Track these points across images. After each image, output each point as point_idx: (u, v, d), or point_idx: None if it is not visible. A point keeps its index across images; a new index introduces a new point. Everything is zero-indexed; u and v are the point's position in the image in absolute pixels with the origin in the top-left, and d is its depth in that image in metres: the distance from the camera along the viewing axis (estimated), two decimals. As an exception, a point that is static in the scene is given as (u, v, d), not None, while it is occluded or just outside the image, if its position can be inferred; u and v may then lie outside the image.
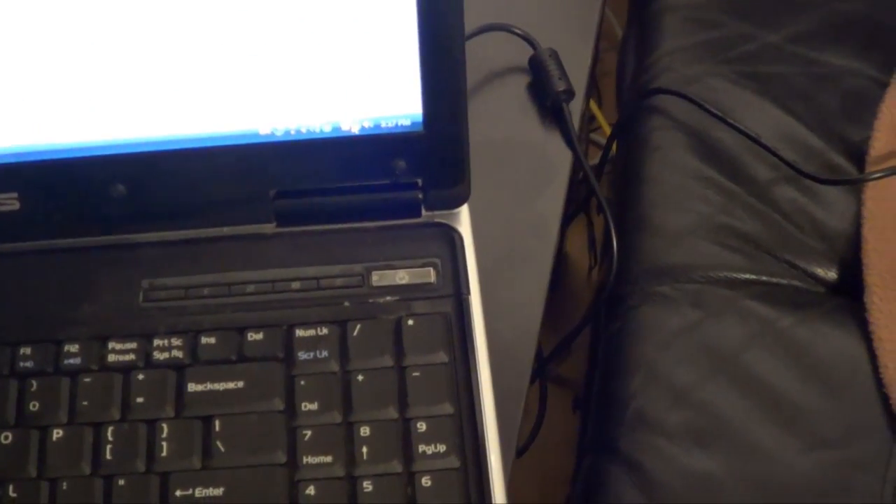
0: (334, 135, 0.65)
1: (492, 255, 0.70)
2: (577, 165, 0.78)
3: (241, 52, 0.63)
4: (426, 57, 0.63)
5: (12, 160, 0.66)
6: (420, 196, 0.67)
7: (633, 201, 0.84)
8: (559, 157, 0.79)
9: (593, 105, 1.21)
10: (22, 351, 0.64)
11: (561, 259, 0.75)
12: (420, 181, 0.67)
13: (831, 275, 0.81)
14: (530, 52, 0.82)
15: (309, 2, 0.62)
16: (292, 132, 0.65)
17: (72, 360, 0.64)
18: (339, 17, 0.62)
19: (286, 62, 0.63)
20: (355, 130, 0.65)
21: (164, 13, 0.62)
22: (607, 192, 0.94)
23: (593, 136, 1.38)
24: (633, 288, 0.79)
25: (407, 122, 0.65)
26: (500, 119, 0.80)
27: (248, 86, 0.64)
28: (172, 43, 0.62)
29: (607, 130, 1.32)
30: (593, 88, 1.05)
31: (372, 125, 0.65)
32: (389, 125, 0.65)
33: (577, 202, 1.06)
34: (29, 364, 0.64)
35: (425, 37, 0.63)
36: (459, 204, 0.68)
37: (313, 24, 0.62)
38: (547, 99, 0.80)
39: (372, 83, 0.64)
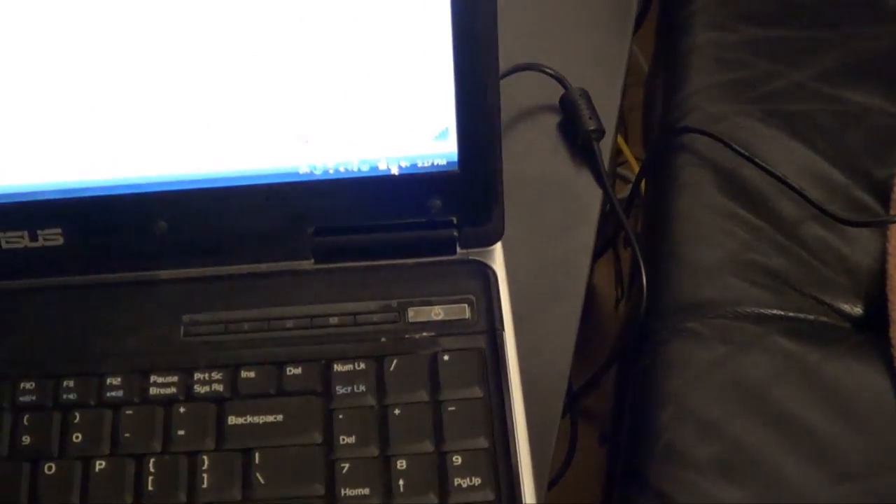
0: (371, 174, 0.67)
1: (524, 291, 0.71)
2: (606, 202, 0.79)
3: (282, 92, 0.64)
4: (461, 98, 0.65)
5: (57, 196, 0.67)
6: (455, 234, 0.68)
7: (662, 237, 0.85)
8: (589, 194, 0.80)
9: (620, 140, 1.22)
10: (65, 383, 0.66)
11: (588, 292, 0.76)
12: (455, 219, 0.68)
13: (857, 310, 0.82)
14: (560, 90, 0.83)
15: (346, 43, 0.63)
16: (330, 171, 0.67)
17: (114, 393, 0.65)
18: (377, 59, 0.64)
19: (325, 102, 0.65)
20: (392, 170, 0.66)
21: (208, 52, 0.63)
22: (635, 227, 0.95)
23: (620, 170, 1.39)
24: (663, 323, 0.80)
25: (443, 162, 0.66)
26: (532, 157, 0.81)
27: (289, 125, 0.65)
28: (216, 81, 0.64)
29: (633, 164, 1.33)
30: (620, 123, 1.07)
31: (408, 165, 0.67)
32: (425, 165, 0.67)
33: (606, 237, 1.07)
34: (72, 396, 0.65)
35: (461, 78, 0.64)
36: (493, 241, 0.69)
37: (351, 64, 0.64)
38: (578, 137, 0.81)
39: (408, 123, 0.65)
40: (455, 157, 0.66)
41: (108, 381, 0.65)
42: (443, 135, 0.66)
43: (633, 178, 1.31)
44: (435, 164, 0.66)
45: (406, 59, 0.64)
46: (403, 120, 0.65)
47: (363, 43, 0.63)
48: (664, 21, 1.05)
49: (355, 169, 0.67)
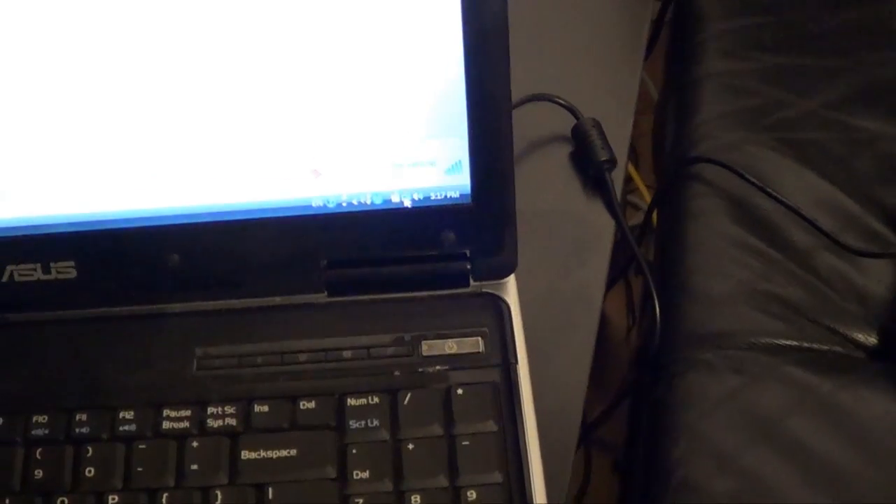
0: (384, 207, 0.67)
1: (537, 323, 0.70)
2: (618, 231, 0.79)
3: (295, 125, 0.64)
4: (474, 130, 0.65)
5: (70, 229, 0.67)
6: (468, 267, 0.68)
7: (674, 267, 0.84)
8: (602, 225, 0.80)
9: (630, 167, 1.22)
10: (78, 417, 0.65)
11: (600, 320, 0.76)
12: (468, 252, 0.68)
13: (871, 340, 0.82)
14: (572, 120, 0.83)
15: (359, 75, 0.63)
16: (344, 204, 0.66)
17: (127, 427, 0.65)
18: (389, 91, 0.64)
19: (338, 135, 0.65)
20: (405, 203, 0.66)
21: (221, 86, 0.63)
22: (647, 256, 0.95)
23: (630, 196, 1.39)
24: (676, 354, 0.80)
25: (455, 195, 0.66)
26: (544, 188, 0.81)
27: (302, 158, 0.65)
28: (229, 114, 0.64)
29: (644, 191, 1.33)
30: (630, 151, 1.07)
31: (421, 197, 0.66)
32: (438, 197, 0.66)
33: (618, 266, 1.06)
34: (85, 430, 0.65)
35: (473, 110, 0.64)
36: (507, 274, 0.69)
37: (364, 96, 0.64)
38: (590, 168, 0.81)
39: (421, 156, 0.65)
40: (468, 190, 0.66)
41: (121, 414, 0.65)
42: (456, 167, 0.66)
43: (643, 204, 1.31)
44: (448, 196, 0.66)
45: (418, 92, 0.64)
46: (416, 153, 0.65)
47: (376, 75, 0.63)
48: (675, 48, 1.05)
49: (368, 202, 0.66)
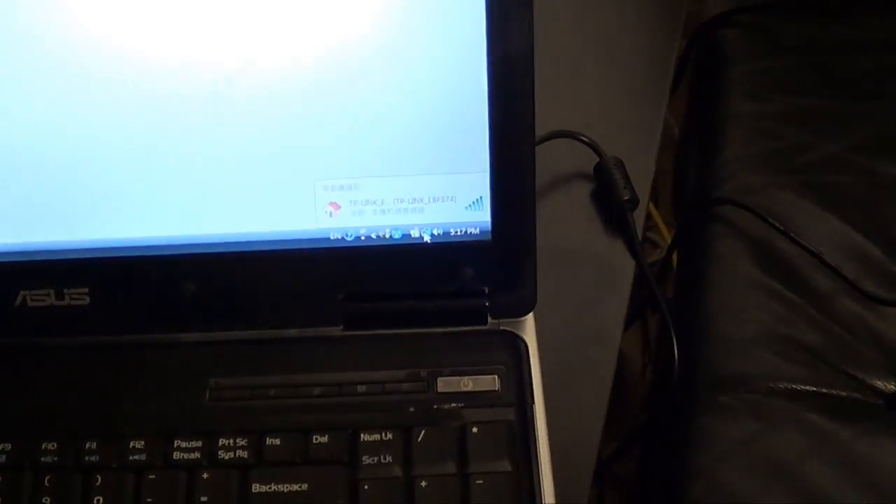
0: (403, 242, 0.66)
1: (554, 360, 0.70)
2: (638, 270, 0.78)
3: (315, 158, 0.64)
4: (497, 167, 0.64)
5: (84, 255, 0.67)
6: (486, 304, 0.67)
7: (694, 308, 0.84)
8: (621, 264, 0.79)
9: (649, 205, 1.21)
10: (88, 445, 0.65)
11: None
12: (487, 289, 0.67)
13: (890, 387, 0.81)
14: (594, 157, 0.82)
15: (381, 111, 0.63)
16: (362, 238, 0.66)
17: (137, 457, 0.64)
18: (412, 127, 0.63)
19: (358, 169, 0.64)
20: (424, 238, 0.66)
21: (240, 115, 0.63)
22: (666, 295, 0.94)
23: (649, 234, 1.38)
24: (694, 396, 0.79)
25: (476, 231, 0.66)
26: (564, 225, 0.80)
27: (321, 190, 0.65)
28: (247, 144, 0.64)
29: (663, 229, 1.32)
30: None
31: (441, 233, 0.66)
32: (458, 233, 0.66)
33: (636, 305, 1.06)
34: (94, 458, 0.64)
35: (496, 147, 0.64)
36: (525, 312, 0.68)
37: (385, 132, 0.63)
38: (611, 206, 0.81)
39: (442, 192, 0.65)
40: (488, 227, 0.66)
41: (132, 444, 0.65)
42: (477, 204, 0.65)
43: (662, 242, 1.31)
44: (468, 232, 0.66)
45: (441, 126, 0.63)
46: (437, 188, 0.64)
47: (398, 109, 0.63)
48: (699, 88, 1.05)
49: (387, 236, 0.66)
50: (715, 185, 0.90)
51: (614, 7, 0.98)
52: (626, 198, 0.80)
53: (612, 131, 0.85)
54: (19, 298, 0.68)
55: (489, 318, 0.68)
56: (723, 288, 0.84)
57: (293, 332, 0.69)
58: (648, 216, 1.26)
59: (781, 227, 0.82)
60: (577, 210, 0.82)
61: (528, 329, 0.68)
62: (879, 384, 0.81)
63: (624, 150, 0.83)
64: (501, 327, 0.68)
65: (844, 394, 0.80)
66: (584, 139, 0.82)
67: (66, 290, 0.68)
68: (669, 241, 1.07)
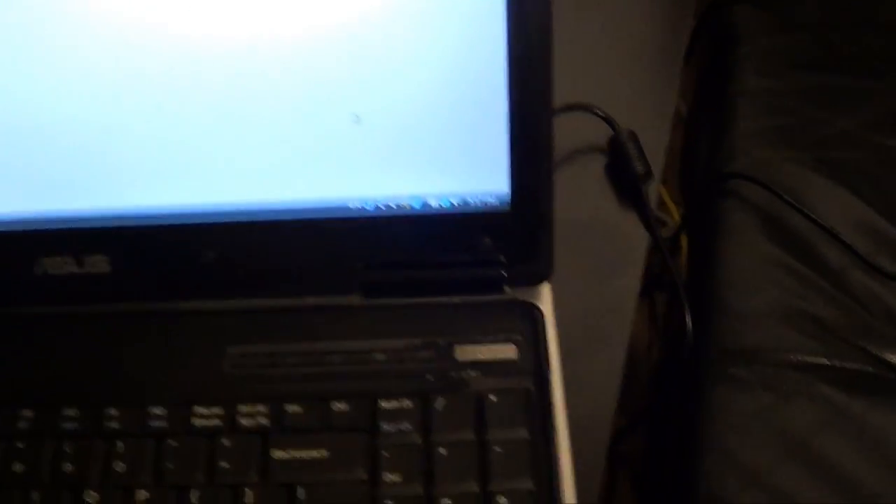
0: (422, 211, 0.66)
1: (568, 332, 0.70)
2: (653, 245, 0.79)
3: (336, 127, 0.64)
4: (515, 137, 0.65)
5: (104, 224, 0.67)
6: (503, 273, 0.68)
7: (706, 282, 0.84)
8: (635, 237, 0.80)
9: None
10: (109, 412, 0.65)
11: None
12: (504, 258, 0.68)
13: (903, 361, 0.82)
14: (607, 130, 0.83)
15: (399, 81, 0.63)
16: (382, 207, 0.66)
17: (158, 423, 0.65)
18: (432, 97, 0.64)
19: (379, 139, 0.65)
20: (443, 207, 0.66)
21: (261, 84, 0.63)
22: (678, 270, 0.94)
23: (657, 212, 1.38)
24: (705, 369, 0.80)
25: (494, 201, 0.66)
26: (579, 198, 0.81)
27: (341, 160, 0.65)
28: (268, 113, 0.64)
29: (671, 205, 1.32)
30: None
31: (459, 203, 0.66)
32: (476, 203, 0.66)
33: (647, 280, 1.06)
34: (115, 425, 0.65)
35: (515, 117, 0.64)
36: (541, 281, 0.69)
37: (405, 101, 0.64)
38: (625, 179, 0.81)
39: (461, 161, 0.65)
40: (507, 197, 0.66)
41: (152, 410, 0.65)
42: (495, 173, 0.65)
43: (668, 219, 1.31)
44: (486, 202, 0.66)
45: (460, 99, 0.64)
46: (456, 158, 0.65)
47: (417, 79, 0.63)
48: (711, 64, 1.05)
49: (406, 205, 0.66)
50: (727, 161, 0.91)
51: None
52: (640, 171, 0.80)
53: (625, 106, 0.85)
54: (40, 266, 0.68)
55: (506, 288, 0.68)
56: (735, 262, 0.84)
57: (312, 300, 0.69)
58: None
59: (794, 202, 0.83)
60: (590, 182, 0.82)
61: (545, 299, 0.69)
62: (892, 358, 0.81)
63: (637, 124, 0.83)
64: (518, 297, 0.69)
65: (857, 367, 0.80)
66: (600, 112, 0.82)
67: (85, 258, 0.68)
68: (678, 218, 1.07)
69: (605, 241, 0.79)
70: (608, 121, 0.83)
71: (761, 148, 0.91)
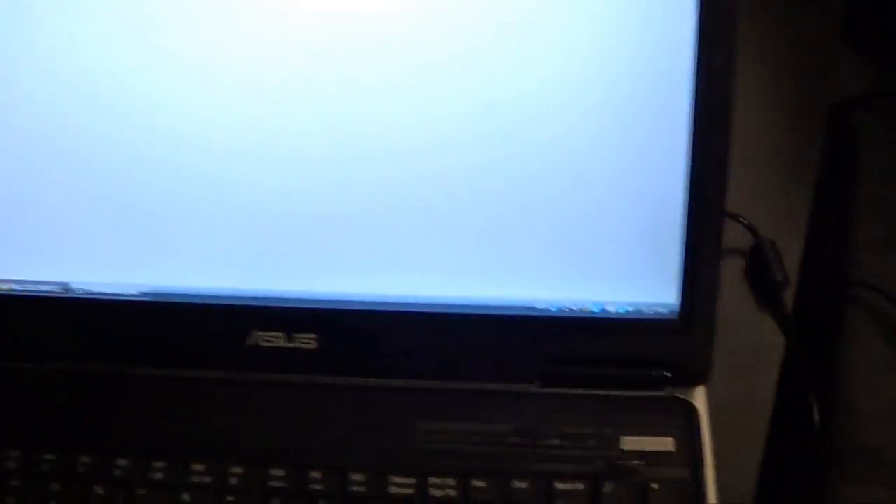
0: (601, 315, 0.75)
1: (714, 425, 0.78)
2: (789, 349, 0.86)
3: (535, 242, 0.73)
4: (688, 253, 0.73)
5: (315, 305, 0.76)
6: (667, 374, 0.76)
7: (828, 384, 0.91)
8: (773, 340, 0.87)
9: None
10: (311, 475, 0.74)
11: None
12: (668, 360, 0.76)
13: None
14: (746, 235, 0.90)
15: (585, 193, 0.72)
16: (565, 310, 0.75)
17: (357, 488, 0.73)
18: (617, 216, 0.72)
19: (569, 251, 0.73)
20: (619, 314, 0.75)
21: (473, 194, 0.73)
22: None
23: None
24: (827, 466, 0.86)
25: (664, 311, 0.74)
26: (722, 300, 0.88)
27: (535, 266, 0.74)
28: (478, 223, 0.73)
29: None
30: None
31: (633, 310, 0.74)
32: (649, 312, 0.74)
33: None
34: (318, 487, 0.73)
35: (689, 237, 0.72)
36: (699, 383, 0.77)
37: (590, 216, 0.73)
38: (765, 285, 0.88)
39: (638, 277, 0.73)
40: (677, 308, 0.74)
41: (352, 476, 0.74)
42: (667, 286, 0.73)
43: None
44: (657, 311, 0.74)
45: (641, 220, 0.73)
46: (635, 275, 0.74)
47: (602, 195, 0.72)
48: (830, 169, 1.10)
49: (587, 309, 0.74)
50: (850, 268, 0.97)
51: (759, 93, 1.04)
52: (779, 279, 0.88)
53: (761, 212, 0.92)
54: (252, 338, 0.77)
55: (666, 386, 0.77)
56: (857, 366, 0.90)
57: (492, 385, 0.77)
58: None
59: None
60: (734, 285, 0.89)
61: (699, 397, 0.77)
62: None
63: (769, 230, 0.91)
64: (677, 395, 0.77)
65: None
66: (744, 221, 0.90)
67: (295, 334, 0.76)
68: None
69: (746, 342, 0.86)
70: (751, 229, 0.90)
71: (883, 256, 0.97)
